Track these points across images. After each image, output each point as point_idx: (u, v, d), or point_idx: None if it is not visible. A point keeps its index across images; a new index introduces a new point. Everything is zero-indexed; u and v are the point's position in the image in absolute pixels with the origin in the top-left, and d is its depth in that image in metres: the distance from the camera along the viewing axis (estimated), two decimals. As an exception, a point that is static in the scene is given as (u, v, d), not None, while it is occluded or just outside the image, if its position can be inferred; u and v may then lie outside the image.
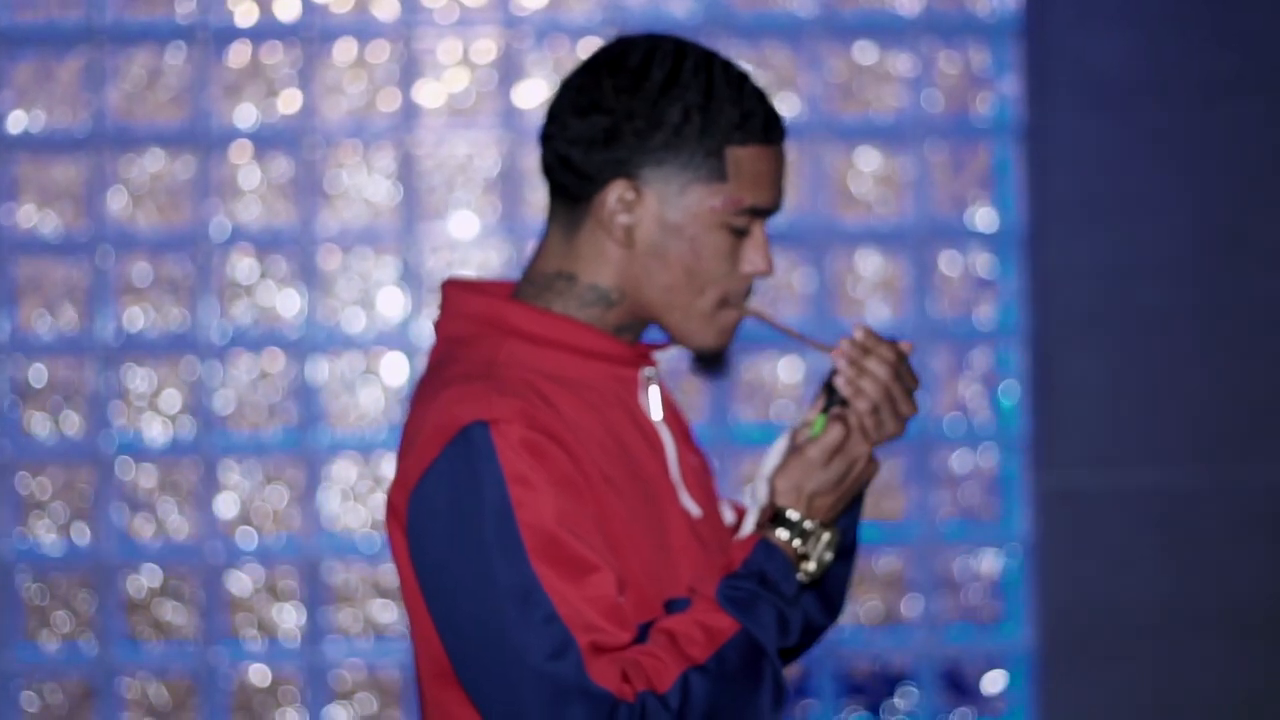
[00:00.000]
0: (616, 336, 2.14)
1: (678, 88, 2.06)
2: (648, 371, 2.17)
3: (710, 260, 2.09)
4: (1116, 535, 3.84)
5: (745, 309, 2.15)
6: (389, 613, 3.92)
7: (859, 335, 2.10)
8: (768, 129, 2.08)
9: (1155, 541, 3.85)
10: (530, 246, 3.83)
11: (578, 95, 2.09)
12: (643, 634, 2.02)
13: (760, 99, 2.09)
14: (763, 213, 2.10)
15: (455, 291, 2.17)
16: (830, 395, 2.11)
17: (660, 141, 2.06)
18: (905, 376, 2.11)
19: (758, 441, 3.90)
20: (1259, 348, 3.85)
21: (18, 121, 3.88)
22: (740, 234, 2.09)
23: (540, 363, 2.09)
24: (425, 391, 2.09)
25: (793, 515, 2.06)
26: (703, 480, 2.24)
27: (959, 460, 3.98)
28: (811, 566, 2.07)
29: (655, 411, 2.17)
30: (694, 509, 2.16)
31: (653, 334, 2.21)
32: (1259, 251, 3.85)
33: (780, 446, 2.14)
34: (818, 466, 2.06)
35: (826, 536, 2.08)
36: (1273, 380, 3.85)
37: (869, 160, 3.99)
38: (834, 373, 2.11)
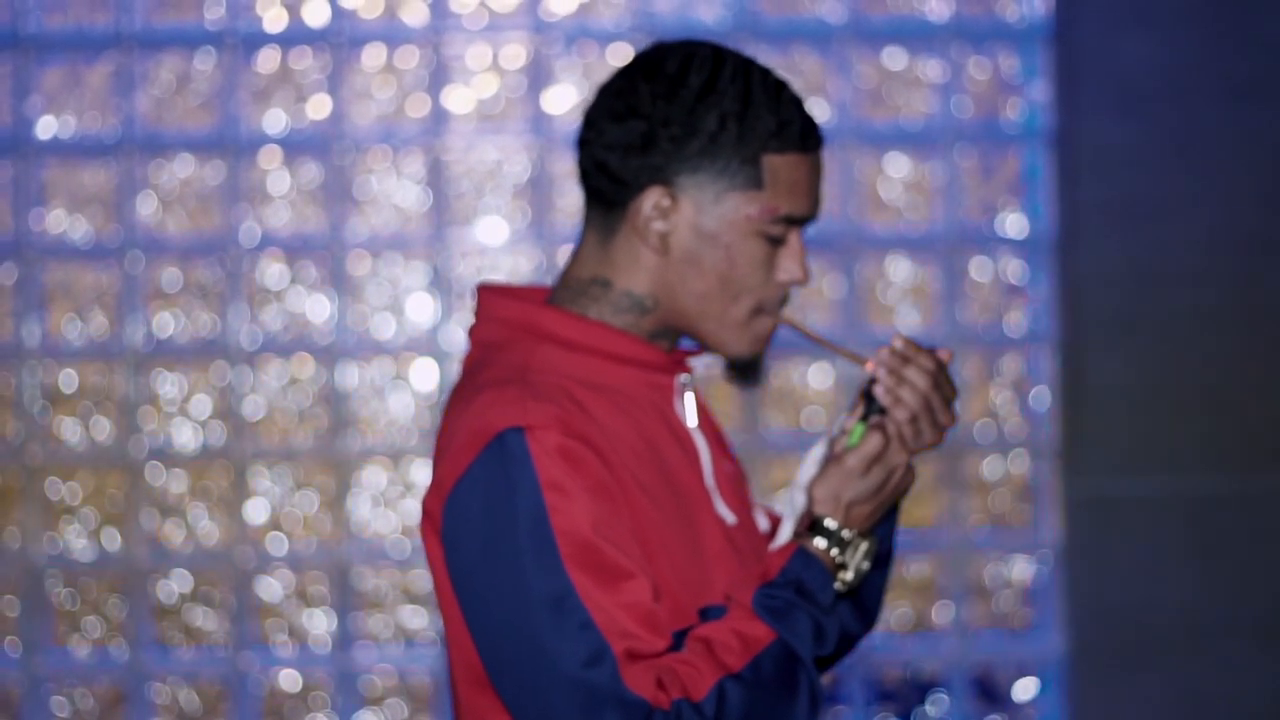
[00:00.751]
0: (652, 343, 2.13)
1: (715, 95, 2.05)
2: (683, 378, 2.16)
3: (745, 268, 2.08)
4: (1147, 542, 3.83)
5: (780, 317, 2.14)
6: (419, 618, 3.92)
7: (899, 344, 2.09)
8: (804, 137, 2.07)
9: (1185, 548, 3.84)
10: (559, 252, 3.83)
11: (615, 100, 2.08)
12: (678, 642, 2.01)
13: (798, 107, 2.08)
14: (799, 221, 2.09)
15: (490, 296, 2.16)
16: (868, 404, 2.10)
17: (696, 148, 2.05)
18: (944, 386, 2.10)
19: (788, 448, 3.89)
20: (1290, 354, 3.84)
21: (48, 127, 3.88)
22: (776, 242, 2.09)
23: (574, 368, 2.08)
24: (460, 397, 2.09)
25: (831, 524, 2.05)
26: (737, 487, 2.23)
27: (990, 467, 3.97)
28: (849, 576, 2.06)
29: (690, 418, 2.16)
30: (729, 516, 2.15)
31: (687, 341, 2.20)
32: (1290, 257, 3.84)
33: (817, 455, 2.12)
34: (856, 475, 2.05)
35: (864, 546, 2.07)
36: (1304, 386, 3.84)
37: (899, 166, 3.98)
38: (872, 381, 2.10)
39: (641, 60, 2.09)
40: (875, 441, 2.06)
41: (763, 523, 2.30)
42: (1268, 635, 3.84)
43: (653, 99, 2.06)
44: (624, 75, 2.09)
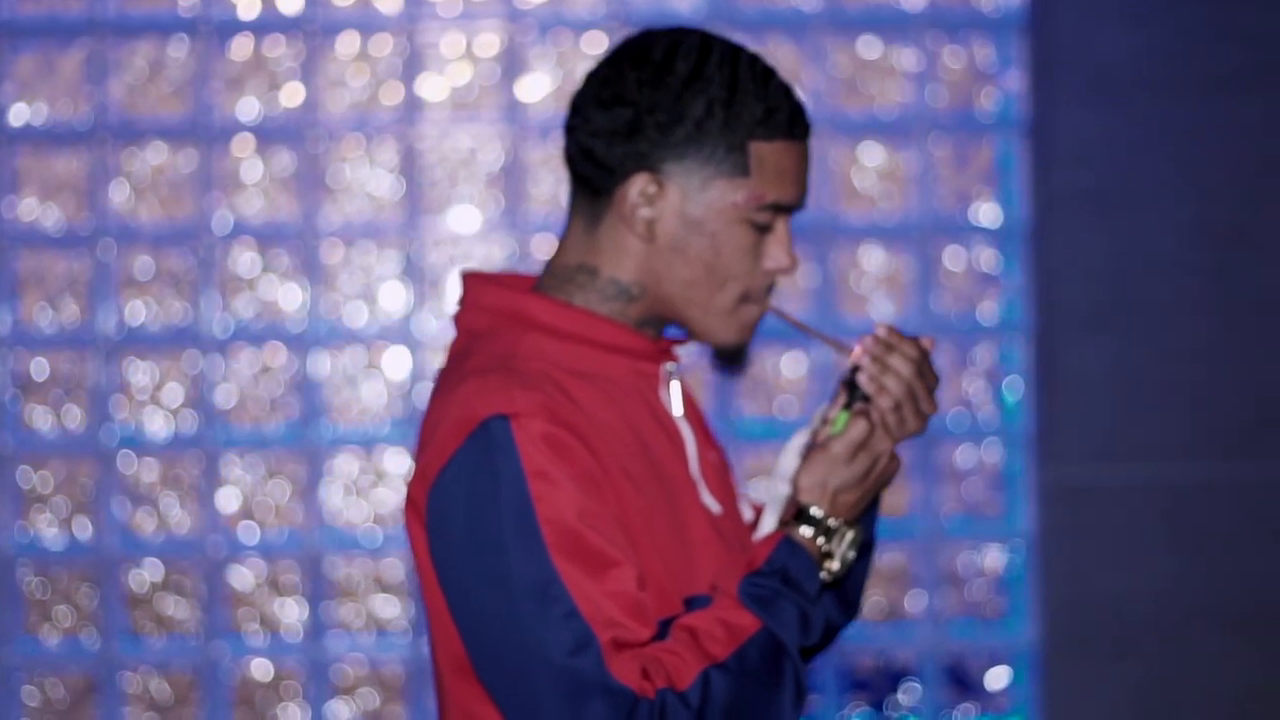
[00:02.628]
0: (638, 331, 2.12)
1: (701, 81, 2.04)
2: (669, 366, 2.16)
3: (731, 256, 2.07)
4: (1120, 531, 3.84)
5: (766, 305, 2.13)
6: (391, 608, 3.91)
7: (882, 332, 2.10)
8: (792, 124, 2.07)
9: (1159, 537, 3.84)
10: (533, 241, 3.83)
11: (601, 87, 2.07)
12: (663, 631, 2.01)
13: (785, 94, 2.07)
14: (786, 209, 2.09)
15: (475, 284, 2.15)
16: (851, 392, 2.10)
17: (682, 135, 2.04)
18: (927, 374, 2.11)
19: (761, 436, 3.89)
20: (1263, 343, 3.85)
21: (19, 114, 3.86)
22: (763, 230, 2.08)
23: (560, 356, 2.07)
24: (445, 384, 2.08)
25: (817, 513, 2.05)
26: (722, 477, 2.23)
27: (963, 456, 3.98)
28: (835, 565, 2.06)
29: (676, 407, 2.16)
30: (714, 506, 2.14)
31: (673, 330, 2.20)
32: (1263, 246, 3.85)
33: (797, 444, 2.12)
34: (842, 463, 2.05)
35: (850, 534, 2.07)
36: (1277, 375, 3.85)
37: (873, 155, 3.99)
38: (854, 369, 2.10)
39: (629, 47, 2.08)
40: (860, 428, 2.06)
41: (747, 513, 2.30)
42: (1242, 624, 3.85)
43: (639, 85, 2.05)
44: (611, 62, 2.08)
